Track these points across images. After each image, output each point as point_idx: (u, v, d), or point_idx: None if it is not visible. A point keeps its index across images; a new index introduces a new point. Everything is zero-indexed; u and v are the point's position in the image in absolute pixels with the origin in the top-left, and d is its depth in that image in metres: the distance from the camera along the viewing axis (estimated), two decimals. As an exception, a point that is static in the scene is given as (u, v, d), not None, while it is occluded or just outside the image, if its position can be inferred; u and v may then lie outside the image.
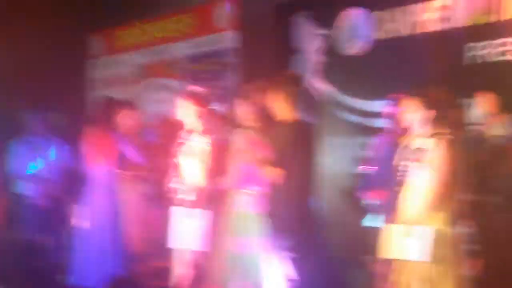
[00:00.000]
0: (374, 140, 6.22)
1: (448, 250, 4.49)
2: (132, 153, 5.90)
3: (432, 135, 4.53)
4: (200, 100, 5.56)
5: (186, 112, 5.52)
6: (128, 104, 6.78)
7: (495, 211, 5.43)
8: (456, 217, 4.62)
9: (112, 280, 3.52)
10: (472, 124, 5.75)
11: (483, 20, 5.96)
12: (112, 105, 5.85)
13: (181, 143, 5.58)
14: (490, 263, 5.25)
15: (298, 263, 4.62)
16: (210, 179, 5.68)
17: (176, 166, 5.54)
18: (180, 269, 5.50)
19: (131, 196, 6.84)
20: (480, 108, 5.66)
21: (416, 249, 4.42)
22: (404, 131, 4.87)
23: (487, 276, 5.22)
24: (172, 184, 5.60)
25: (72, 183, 6.77)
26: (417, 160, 4.50)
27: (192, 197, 5.43)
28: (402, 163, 4.57)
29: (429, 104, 4.56)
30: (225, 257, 5.04)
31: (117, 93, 9.59)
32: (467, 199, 5.06)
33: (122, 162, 5.69)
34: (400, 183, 4.58)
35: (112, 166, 5.70)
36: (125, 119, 6.37)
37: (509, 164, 5.44)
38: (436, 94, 4.74)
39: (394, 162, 4.68)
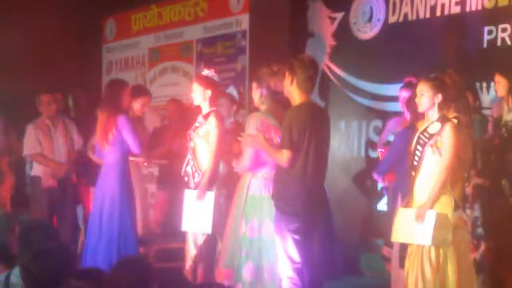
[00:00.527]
0: (388, 124, 6.21)
1: (455, 234, 4.50)
2: (143, 137, 5.88)
3: (445, 120, 4.52)
4: (213, 84, 5.56)
5: (199, 96, 5.53)
6: (139, 89, 6.80)
7: (500, 196, 5.40)
8: (465, 202, 4.62)
9: (121, 261, 3.53)
10: (486, 108, 5.71)
11: (502, 2, 5.90)
12: (122, 88, 5.82)
13: (196, 127, 5.59)
14: (495, 247, 5.26)
15: (306, 246, 4.62)
16: (224, 162, 5.72)
17: (191, 150, 5.55)
18: (193, 252, 5.52)
19: (141, 180, 6.90)
20: (497, 92, 5.62)
21: (426, 233, 4.43)
22: (419, 116, 4.86)
23: (492, 259, 5.23)
24: (187, 168, 5.62)
25: (83, 165, 6.82)
26: (431, 145, 4.50)
27: (206, 180, 5.44)
28: (418, 147, 4.57)
29: (443, 88, 4.55)
30: (238, 240, 5.05)
31: (131, 77, 9.67)
32: (475, 183, 5.07)
33: (134, 146, 5.68)
34: (414, 168, 4.58)
35: (122, 148, 5.69)
36: (136, 103, 6.40)
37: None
38: (450, 78, 4.73)
39: (409, 147, 4.68)
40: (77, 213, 7.04)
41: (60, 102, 7.21)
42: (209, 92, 5.52)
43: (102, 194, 5.68)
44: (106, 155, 5.70)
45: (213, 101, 5.57)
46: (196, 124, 5.61)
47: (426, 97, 4.55)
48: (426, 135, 4.54)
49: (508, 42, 5.83)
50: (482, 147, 5.42)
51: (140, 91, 6.64)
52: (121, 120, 5.61)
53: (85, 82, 9.18)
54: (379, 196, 6.61)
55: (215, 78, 5.60)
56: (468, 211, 5.17)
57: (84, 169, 6.85)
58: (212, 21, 8.60)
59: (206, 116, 5.55)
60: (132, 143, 5.62)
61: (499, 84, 5.57)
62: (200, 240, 5.52)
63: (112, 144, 5.63)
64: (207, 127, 5.50)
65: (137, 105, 6.42)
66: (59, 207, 6.72)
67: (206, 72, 5.68)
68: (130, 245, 5.65)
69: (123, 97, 5.72)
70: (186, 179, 5.56)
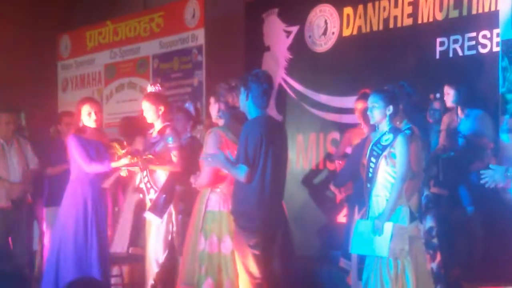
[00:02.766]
0: (346, 136, 6.25)
1: (412, 245, 4.53)
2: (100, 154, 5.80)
3: (397, 131, 4.57)
4: (164, 99, 5.56)
5: (153, 114, 5.52)
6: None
7: (450, 205, 5.47)
8: (418, 212, 4.67)
9: (73, 282, 3.46)
10: (437, 118, 5.79)
11: (453, 14, 6.00)
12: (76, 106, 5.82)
13: (152, 143, 5.56)
14: (449, 257, 5.32)
15: (266, 261, 4.61)
16: (181, 179, 5.68)
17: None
18: (154, 270, 5.48)
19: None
20: (446, 102, 5.71)
21: (383, 245, 4.45)
22: (373, 127, 4.89)
23: (446, 269, 5.29)
24: (141, 184, 5.57)
25: (39, 185, 6.70)
26: (385, 156, 4.53)
27: (162, 197, 5.42)
28: (371, 159, 4.59)
29: (394, 100, 4.59)
30: (198, 256, 5.01)
31: (88, 93, 9.56)
32: (428, 193, 5.13)
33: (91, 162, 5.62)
34: (369, 180, 4.61)
35: (83, 167, 5.62)
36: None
37: (463, 159, 5.47)
38: (403, 89, 4.78)
39: (364, 159, 4.70)
40: (32, 234, 6.91)
41: (17, 122, 7.09)
42: (162, 109, 5.51)
43: (65, 214, 5.66)
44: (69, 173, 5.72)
45: (166, 116, 5.55)
46: (152, 141, 5.57)
47: (377, 109, 4.58)
48: (379, 146, 4.57)
49: (460, 53, 5.93)
50: (436, 157, 5.49)
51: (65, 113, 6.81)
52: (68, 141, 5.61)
53: (40, 99, 9.06)
54: (339, 208, 6.64)
55: (164, 93, 5.60)
56: (424, 222, 5.22)
57: (39, 188, 6.73)
58: (168, 36, 8.56)
59: (161, 132, 5.52)
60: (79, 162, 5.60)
61: (449, 96, 5.66)
62: (162, 258, 5.49)
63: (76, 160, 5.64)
64: (163, 143, 5.47)
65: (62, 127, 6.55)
66: (14, 228, 6.59)
67: (152, 88, 5.66)
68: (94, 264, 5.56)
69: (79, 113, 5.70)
70: (141, 195, 5.52)
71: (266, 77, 4.72)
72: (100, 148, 5.68)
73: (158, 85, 5.74)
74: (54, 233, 5.72)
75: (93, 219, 5.62)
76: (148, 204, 5.52)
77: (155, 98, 5.55)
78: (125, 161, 5.45)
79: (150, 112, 5.54)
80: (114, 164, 5.52)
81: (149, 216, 5.47)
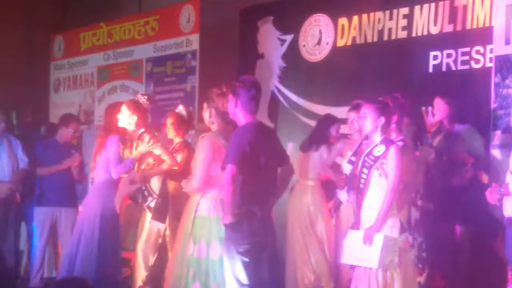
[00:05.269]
0: (334, 146, 6.25)
1: (402, 257, 4.55)
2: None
3: (390, 142, 4.59)
4: (141, 110, 5.64)
5: (124, 118, 5.63)
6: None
7: (437, 219, 5.48)
8: (407, 224, 4.68)
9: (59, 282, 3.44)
10: (428, 132, 5.81)
11: (447, 28, 6.04)
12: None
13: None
14: (436, 270, 5.32)
15: (254, 268, 4.60)
16: (173, 183, 5.70)
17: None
18: (143, 274, 5.49)
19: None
20: (434, 116, 5.72)
21: (373, 256, 4.46)
22: (365, 138, 4.91)
23: (433, 282, 5.30)
24: (137, 193, 5.63)
25: (28, 185, 6.67)
26: (377, 167, 4.55)
27: (161, 203, 5.46)
28: (363, 170, 4.61)
29: (386, 111, 4.61)
30: (186, 261, 5.00)
31: (80, 95, 9.56)
32: (417, 206, 5.14)
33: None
34: (361, 190, 4.62)
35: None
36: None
37: (451, 174, 5.49)
38: (396, 101, 4.80)
39: (356, 169, 4.72)
40: (20, 234, 6.88)
41: (7, 120, 7.06)
42: (134, 118, 5.67)
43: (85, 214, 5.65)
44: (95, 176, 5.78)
45: (140, 124, 5.68)
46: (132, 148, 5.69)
47: (370, 120, 4.60)
48: (372, 157, 4.58)
49: (453, 67, 5.96)
50: (425, 171, 5.50)
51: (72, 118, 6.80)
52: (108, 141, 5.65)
53: (32, 99, 9.04)
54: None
55: (144, 105, 5.72)
56: (412, 234, 5.23)
57: (29, 188, 6.70)
58: (162, 40, 8.57)
59: (139, 138, 5.66)
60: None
61: (438, 109, 5.66)
62: (151, 261, 5.50)
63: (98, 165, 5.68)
64: (142, 148, 5.57)
65: (68, 131, 6.52)
66: (1, 227, 6.56)
67: (139, 98, 5.78)
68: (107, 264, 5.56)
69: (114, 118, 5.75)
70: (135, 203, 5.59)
71: (253, 83, 4.73)
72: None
73: (146, 97, 5.92)
74: (76, 229, 5.71)
75: (110, 221, 5.63)
76: (147, 211, 5.57)
77: (133, 105, 5.71)
78: (143, 147, 5.56)
79: (123, 116, 5.69)
80: (134, 155, 5.63)
81: (154, 224, 5.54)
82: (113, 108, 5.85)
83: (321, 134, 6.19)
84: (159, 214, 5.52)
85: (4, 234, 6.57)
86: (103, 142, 5.65)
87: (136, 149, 5.63)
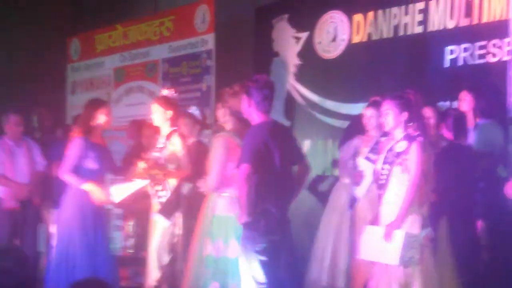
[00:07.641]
0: (353, 143, 6.22)
1: (423, 253, 4.50)
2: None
3: (412, 138, 4.55)
4: (174, 104, 5.56)
5: (160, 116, 5.53)
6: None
7: (455, 214, 5.41)
8: (428, 220, 4.63)
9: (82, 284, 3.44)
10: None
11: (464, 22, 5.99)
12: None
13: (160, 148, 5.57)
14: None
15: (272, 267, 4.59)
16: (189, 182, 5.69)
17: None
18: (156, 273, 5.48)
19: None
20: (461, 108, 5.65)
21: (394, 253, 4.42)
22: (383, 135, 4.87)
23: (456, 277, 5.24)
24: (152, 188, 5.59)
25: (46, 187, 6.70)
26: (399, 163, 4.51)
27: (171, 200, 5.44)
28: (384, 166, 4.58)
29: (408, 106, 4.58)
30: (204, 260, 5.01)
31: (96, 96, 9.57)
32: (436, 201, 5.09)
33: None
34: (381, 186, 4.59)
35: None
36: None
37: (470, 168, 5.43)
38: (414, 97, 4.76)
39: (377, 166, 4.68)
40: (38, 235, 6.91)
41: (26, 123, 7.10)
42: (170, 113, 5.51)
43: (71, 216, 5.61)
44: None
45: (174, 121, 5.55)
46: (160, 145, 5.58)
47: (392, 116, 4.57)
48: (393, 153, 4.55)
49: (470, 62, 5.91)
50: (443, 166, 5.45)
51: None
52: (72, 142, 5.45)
53: (49, 102, 9.08)
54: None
55: (175, 98, 5.59)
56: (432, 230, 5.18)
57: (47, 191, 6.73)
58: (178, 41, 8.58)
59: (168, 137, 5.52)
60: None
61: (464, 102, 5.61)
62: (165, 260, 5.48)
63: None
64: (171, 148, 5.47)
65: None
66: (20, 229, 6.59)
67: (165, 92, 5.68)
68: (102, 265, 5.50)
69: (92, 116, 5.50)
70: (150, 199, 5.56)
71: (266, 82, 4.73)
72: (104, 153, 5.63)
73: (173, 90, 5.75)
74: (61, 233, 5.63)
75: (101, 220, 5.57)
76: (157, 206, 5.54)
77: (165, 101, 5.55)
78: (137, 183, 5.45)
79: (157, 114, 5.55)
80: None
81: (158, 217, 5.49)
82: (94, 104, 5.57)
83: None
84: (166, 211, 5.44)
85: (23, 237, 6.61)
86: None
87: (159, 151, 5.50)
